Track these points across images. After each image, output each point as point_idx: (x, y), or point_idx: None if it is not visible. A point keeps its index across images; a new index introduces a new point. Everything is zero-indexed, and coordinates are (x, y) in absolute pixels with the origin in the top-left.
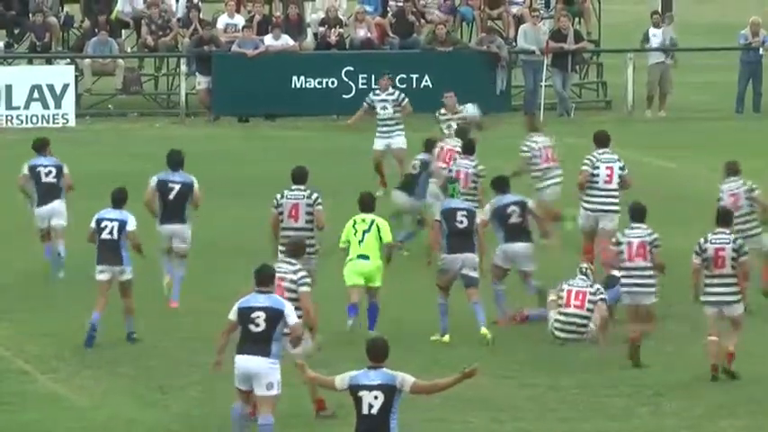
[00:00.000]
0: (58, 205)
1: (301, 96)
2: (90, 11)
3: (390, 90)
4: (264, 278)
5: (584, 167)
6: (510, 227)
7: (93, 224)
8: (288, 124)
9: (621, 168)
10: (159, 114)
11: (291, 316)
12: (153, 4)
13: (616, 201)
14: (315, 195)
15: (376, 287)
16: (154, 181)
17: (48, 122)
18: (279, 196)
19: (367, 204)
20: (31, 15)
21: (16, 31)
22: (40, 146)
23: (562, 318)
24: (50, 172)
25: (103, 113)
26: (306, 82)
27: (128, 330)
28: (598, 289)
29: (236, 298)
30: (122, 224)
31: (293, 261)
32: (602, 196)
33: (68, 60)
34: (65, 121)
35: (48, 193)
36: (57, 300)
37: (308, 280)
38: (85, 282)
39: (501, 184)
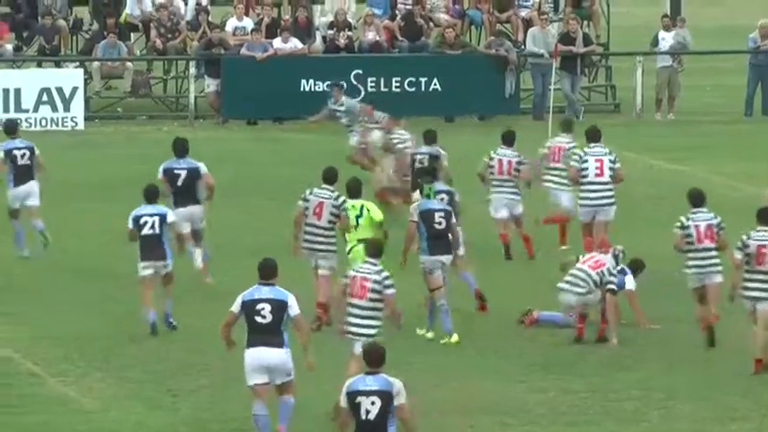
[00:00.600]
0: (32, 186)
1: (310, 99)
2: (99, 14)
3: (342, 100)
4: (267, 271)
5: (573, 163)
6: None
7: (130, 223)
8: (296, 127)
9: (612, 161)
10: (168, 117)
11: (294, 306)
12: (162, 6)
13: (611, 194)
14: (342, 199)
15: None
16: (161, 170)
17: (57, 125)
18: (308, 192)
19: (355, 190)
20: (40, 18)
21: (25, 34)
22: (13, 128)
23: (575, 272)
24: (25, 154)
25: (112, 116)
26: (314, 85)
27: (166, 311)
28: (615, 275)
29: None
30: (162, 218)
31: (374, 261)
32: (596, 191)
33: (77, 63)
34: (74, 125)
35: (23, 174)
36: (65, 301)
37: (392, 281)
38: (94, 283)
39: None
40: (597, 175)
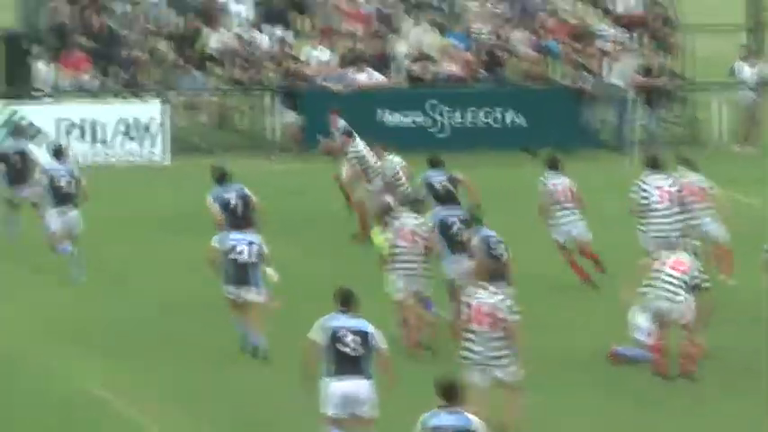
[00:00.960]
0: (73, 213)
1: (389, 132)
2: (179, 46)
3: (339, 124)
4: (348, 298)
5: (541, 189)
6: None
7: (223, 246)
8: None
9: (572, 186)
10: (248, 150)
11: (378, 338)
12: (241, 38)
13: (577, 214)
14: (431, 224)
15: None
16: (211, 200)
17: (137, 158)
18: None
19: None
20: (120, 51)
21: (105, 67)
22: (60, 153)
23: (666, 278)
24: (69, 181)
25: (192, 149)
26: (394, 117)
27: (254, 343)
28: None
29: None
30: (259, 246)
31: (496, 289)
32: (566, 215)
33: (157, 96)
34: (153, 157)
35: (65, 199)
36: (154, 337)
37: (517, 308)
38: (180, 317)
39: None
40: (567, 200)
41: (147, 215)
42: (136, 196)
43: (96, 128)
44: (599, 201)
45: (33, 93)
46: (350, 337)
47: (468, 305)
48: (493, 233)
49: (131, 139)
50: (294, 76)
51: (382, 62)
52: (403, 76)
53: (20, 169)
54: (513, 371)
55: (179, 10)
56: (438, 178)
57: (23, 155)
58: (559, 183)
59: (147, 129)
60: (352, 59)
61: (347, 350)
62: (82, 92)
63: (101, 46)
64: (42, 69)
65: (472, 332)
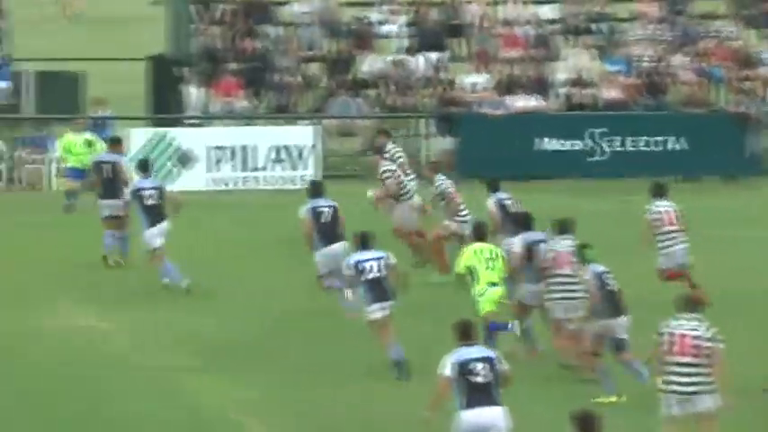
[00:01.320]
0: (165, 226)
1: (547, 158)
2: (332, 70)
3: (388, 146)
4: (470, 331)
5: (646, 216)
6: None
7: (353, 268)
8: (533, 187)
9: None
10: None
11: (502, 362)
12: (396, 63)
13: (682, 239)
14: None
15: None
16: (305, 211)
17: (290, 185)
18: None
19: (484, 233)
20: (272, 75)
21: (257, 91)
22: (146, 167)
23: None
24: (152, 195)
25: (347, 175)
26: (552, 143)
27: (396, 357)
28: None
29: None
30: (383, 260)
31: (698, 316)
32: (672, 240)
33: (311, 120)
34: (305, 183)
35: (155, 214)
36: (295, 362)
37: (721, 337)
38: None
39: None
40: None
41: (295, 238)
42: (283, 221)
43: (247, 153)
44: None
45: (184, 118)
46: (479, 366)
47: (671, 335)
48: (603, 268)
49: (283, 164)
50: (449, 102)
51: (540, 87)
52: (561, 102)
53: (111, 179)
54: (713, 399)
55: (332, 34)
56: (508, 201)
57: (115, 166)
58: (664, 208)
59: (299, 154)
60: (509, 84)
61: (478, 379)
62: (233, 117)
63: (252, 70)
64: (193, 94)
65: (676, 363)
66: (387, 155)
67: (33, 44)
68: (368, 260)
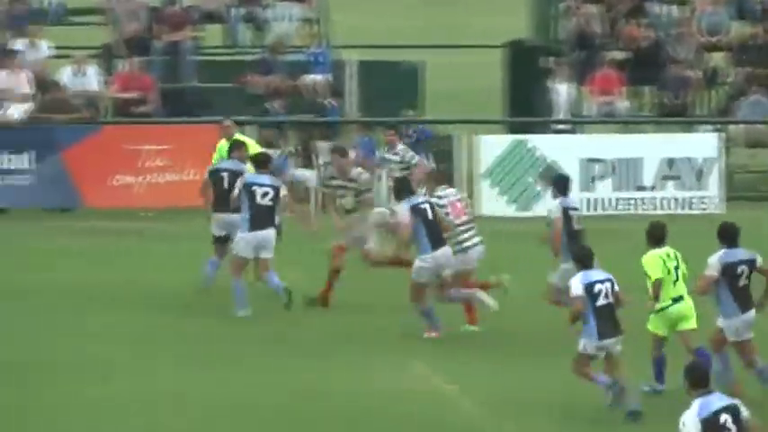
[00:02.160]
0: (270, 234)
1: None
2: (740, 61)
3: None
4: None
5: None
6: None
7: (581, 291)
8: None
9: None
10: None
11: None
12: None
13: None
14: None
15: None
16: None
17: (684, 208)
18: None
19: (659, 237)
20: (666, 69)
21: (647, 90)
22: (265, 162)
23: None
24: (267, 193)
25: (756, 197)
26: None
27: (635, 408)
28: None
29: None
30: (612, 283)
31: None
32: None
33: (713, 126)
34: (707, 207)
35: (263, 217)
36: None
37: None
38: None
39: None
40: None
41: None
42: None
43: (630, 167)
44: None
45: (550, 121)
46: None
47: None
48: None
49: (676, 182)
50: None
51: None
52: None
53: (226, 190)
54: None
55: (741, 15)
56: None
57: (235, 176)
58: None
59: (699, 170)
60: None
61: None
62: (613, 121)
63: (638, 61)
64: (562, 92)
65: None
66: None
67: (351, 24)
68: (599, 282)
